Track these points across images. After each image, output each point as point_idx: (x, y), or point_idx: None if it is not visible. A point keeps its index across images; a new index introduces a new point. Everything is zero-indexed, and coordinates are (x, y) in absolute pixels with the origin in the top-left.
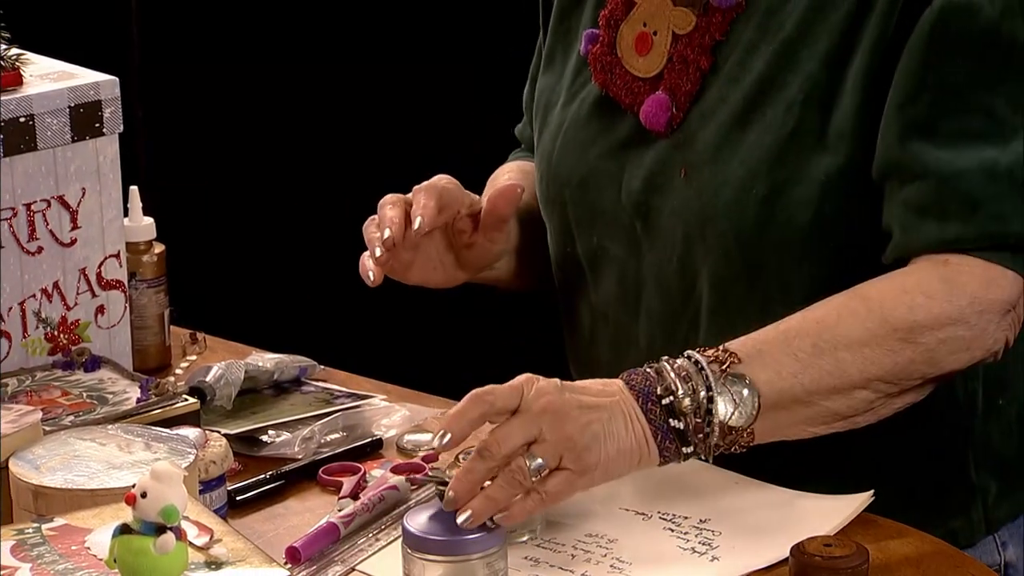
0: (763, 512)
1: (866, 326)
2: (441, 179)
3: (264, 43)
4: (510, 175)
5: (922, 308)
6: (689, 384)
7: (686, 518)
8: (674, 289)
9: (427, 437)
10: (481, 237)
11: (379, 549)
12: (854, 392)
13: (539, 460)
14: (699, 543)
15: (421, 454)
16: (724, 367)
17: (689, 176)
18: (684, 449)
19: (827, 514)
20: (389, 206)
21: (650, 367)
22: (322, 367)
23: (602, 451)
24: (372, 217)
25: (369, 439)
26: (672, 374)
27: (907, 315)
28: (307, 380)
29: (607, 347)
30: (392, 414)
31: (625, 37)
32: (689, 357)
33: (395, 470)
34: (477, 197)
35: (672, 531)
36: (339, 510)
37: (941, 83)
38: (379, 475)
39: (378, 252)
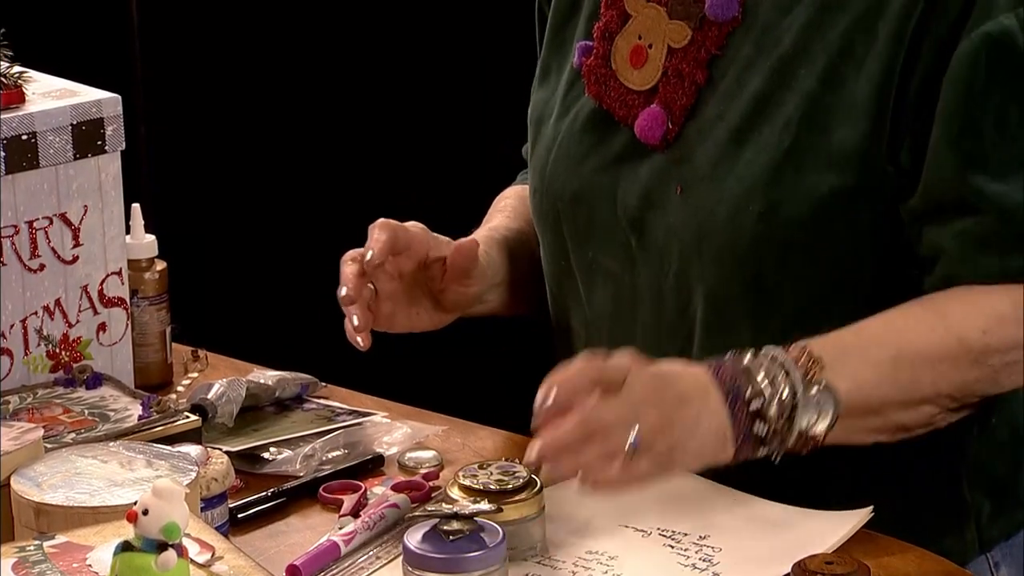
0: (763, 528)
1: (944, 343)
2: (407, 222)
3: (267, 61)
4: (507, 202)
5: (995, 332)
6: (777, 389)
7: (686, 535)
8: (669, 305)
9: (429, 454)
10: (452, 284)
11: (380, 567)
12: (922, 406)
13: (635, 440)
14: (699, 559)
15: (422, 472)
16: (809, 376)
17: (685, 193)
18: (760, 451)
19: (827, 530)
20: (348, 262)
21: (737, 363)
22: (324, 384)
23: (688, 445)
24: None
25: (370, 456)
26: (761, 376)
27: (981, 338)
28: (309, 397)
29: None
30: (393, 431)
31: (620, 50)
32: (775, 359)
33: (396, 488)
34: (447, 240)
35: (672, 548)
36: (340, 528)
37: (987, 115)
38: (380, 493)
39: (355, 321)
